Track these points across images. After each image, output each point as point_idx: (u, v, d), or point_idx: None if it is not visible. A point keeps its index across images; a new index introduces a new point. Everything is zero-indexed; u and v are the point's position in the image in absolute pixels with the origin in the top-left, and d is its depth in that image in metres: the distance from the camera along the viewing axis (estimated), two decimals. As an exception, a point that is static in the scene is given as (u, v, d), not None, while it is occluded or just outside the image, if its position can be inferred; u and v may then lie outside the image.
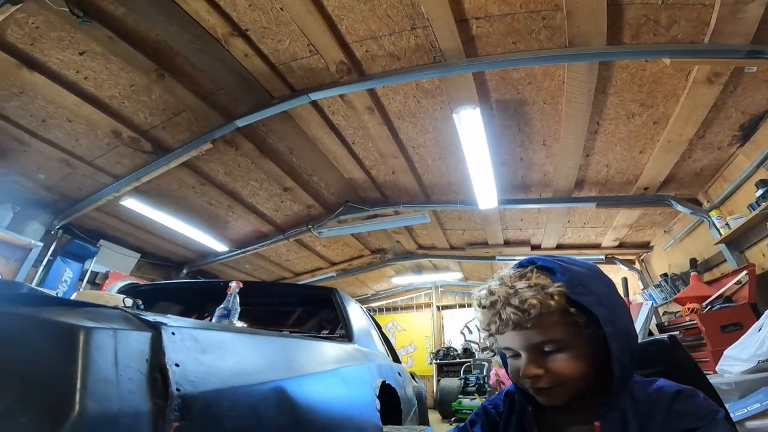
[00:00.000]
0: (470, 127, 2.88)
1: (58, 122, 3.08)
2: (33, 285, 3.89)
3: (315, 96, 2.80)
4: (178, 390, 0.41)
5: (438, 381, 6.63)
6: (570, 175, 3.56)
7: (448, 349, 7.27)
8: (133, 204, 3.95)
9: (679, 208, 3.61)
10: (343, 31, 2.44)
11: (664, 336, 0.80)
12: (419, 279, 7.24)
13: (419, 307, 8.22)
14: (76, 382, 0.33)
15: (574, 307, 0.63)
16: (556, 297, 0.63)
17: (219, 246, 4.94)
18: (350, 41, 2.51)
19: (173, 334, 0.47)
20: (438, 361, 7.16)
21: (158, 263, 5.37)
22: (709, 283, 3.48)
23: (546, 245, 5.08)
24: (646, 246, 4.89)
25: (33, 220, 3.88)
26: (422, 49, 2.52)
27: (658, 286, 4.30)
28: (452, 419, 5.22)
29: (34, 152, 3.35)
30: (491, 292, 0.67)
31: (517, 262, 0.74)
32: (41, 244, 3.92)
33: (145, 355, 0.42)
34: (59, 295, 3.46)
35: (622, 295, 4.62)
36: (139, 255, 5.02)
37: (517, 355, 0.67)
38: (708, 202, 3.58)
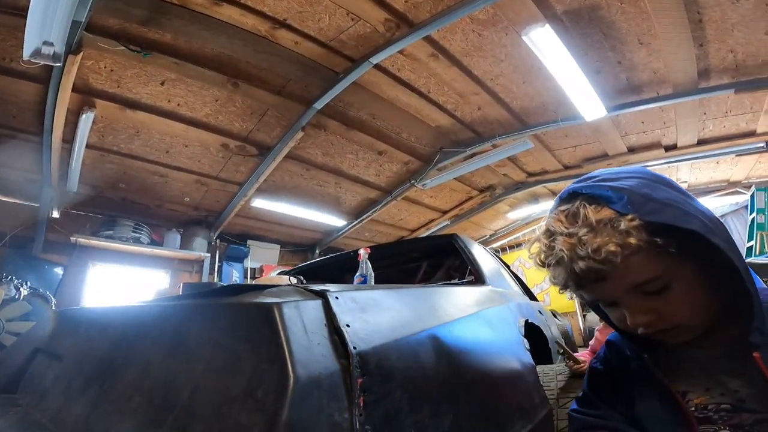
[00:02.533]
0: (546, 45, 2.67)
1: (179, 150, 3.63)
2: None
3: (375, 59, 2.79)
4: (354, 348, 0.47)
5: (584, 316, 6.18)
6: (688, 68, 3.07)
7: None
8: (260, 203, 4.52)
9: None
10: (375, -11, 2.34)
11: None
12: (537, 208, 6.80)
13: (543, 236, 7.80)
14: (285, 353, 0.40)
15: (658, 235, 0.51)
16: (633, 232, 0.51)
17: (338, 221, 5.38)
18: (386, -4, 2.39)
19: (337, 298, 0.53)
20: None
21: (295, 249, 6.11)
22: None
23: (684, 143, 4.38)
24: None
25: (196, 237, 4.72)
26: (461, -19, 2.28)
27: None
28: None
29: (173, 180, 4.03)
30: (549, 247, 0.57)
31: (557, 197, 0.62)
32: (208, 254, 4.78)
33: (323, 320, 0.48)
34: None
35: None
36: (279, 246, 5.77)
37: (613, 304, 0.58)
38: None
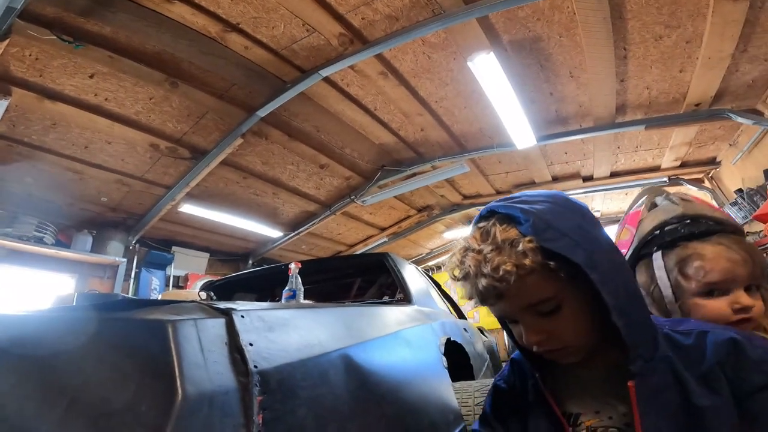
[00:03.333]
0: (488, 71, 2.81)
1: (100, 146, 3.32)
2: (129, 295, 4.42)
3: (325, 72, 2.80)
4: (255, 367, 0.47)
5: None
6: (608, 102, 3.37)
7: None
8: (189, 208, 4.25)
9: (740, 120, 3.31)
10: (333, 3, 2.39)
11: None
12: (471, 230, 7.15)
13: (475, 256, 8.15)
14: (174, 369, 0.39)
15: (551, 258, 0.55)
16: (529, 254, 0.55)
17: (274, 232, 5.21)
18: (343, 12, 2.45)
19: (242, 317, 0.53)
20: None
21: (226, 259, 5.80)
22: None
23: (599, 174, 4.82)
24: (712, 162, 4.52)
25: (111, 240, 4.31)
26: (418, 4, 2.42)
27: (734, 203, 3.89)
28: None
29: (89, 178, 3.66)
30: (461, 263, 0.61)
31: (477, 215, 0.68)
32: (125, 259, 4.37)
33: (224, 339, 0.48)
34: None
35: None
36: (209, 254, 5.44)
37: (514, 321, 0.62)
38: (770, 111, 3.19)
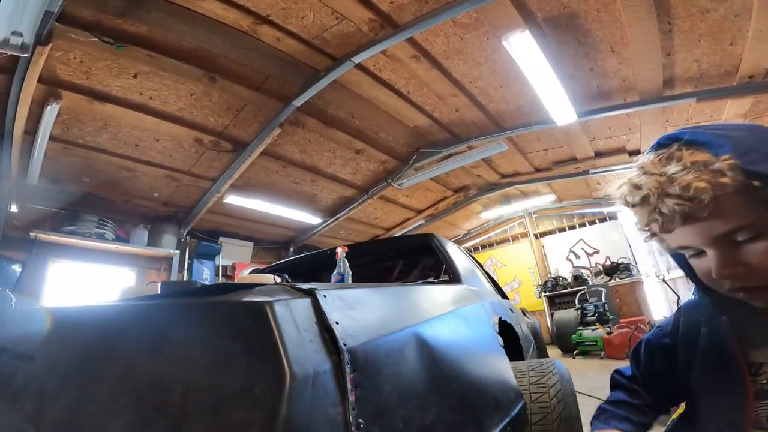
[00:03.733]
0: (524, 50, 2.76)
1: (149, 144, 3.51)
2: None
3: (357, 59, 2.82)
4: (345, 345, 0.49)
5: (551, 314, 6.30)
6: (654, 76, 3.26)
7: (556, 279, 6.81)
8: (234, 199, 4.42)
9: None
10: (360, -11, 2.36)
11: None
12: (509, 209, 7.02)
13: (515, 238, 7.97)
14: (280, 350, 0.41)
15: (756, 179, 0.47)
16: (727, 173, 0.47)
17: (313, 219, 5.34)
18: (371, -3, 2.42)
19: (325, 296, 0.55)
20: (547, 293, 6.75)
21: (268, 247, 6.01)
22: None
23: (646, 149, 4.60)
24: None
25: (165, 234, 4.58)
26: (448, -17, 2.35)
27: None
28: (574, 353, 4.98)
29: (141, 175, 3.89)
30: (636, 186, 0.54)
31: (653, 143, 0.58)
32: (177, 251, 4.64)
33: (313, 318, 0.50)
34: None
35: None
36: (252, 243, 5.67)
37: (700, 253, 0.54)
38: (829, 79, 2.97)
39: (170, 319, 0.54)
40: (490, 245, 8.25)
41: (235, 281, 1.84)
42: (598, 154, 4.87)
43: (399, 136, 4.14)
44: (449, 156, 4.47)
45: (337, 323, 0.51)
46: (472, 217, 7.38)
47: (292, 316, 0.46)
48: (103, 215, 4.13)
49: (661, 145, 0.57)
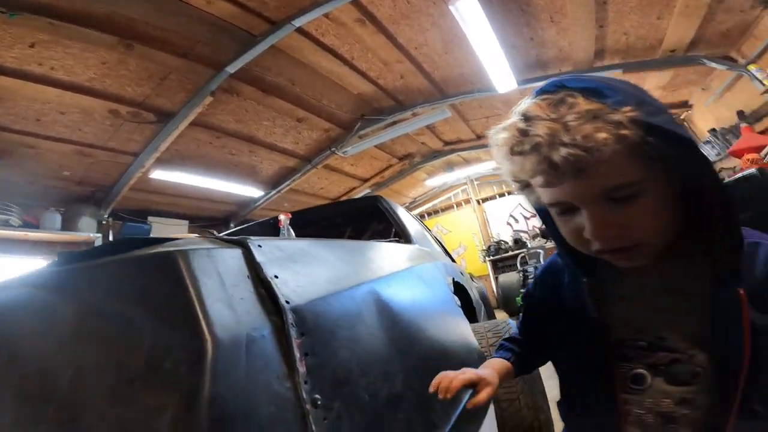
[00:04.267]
0: (470, 16, 2.75)
1: (52, 117, 3.07)
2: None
3: (298, 22, 2.63)
4: (287, 302, 0.39)
5: (496, 278, 6.43)
6: (588, 47, 3.40)
7: (498, 243, 7.04)
8: (162, 174, 4.04)
9: (713, 65, 3.42)
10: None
11: (753, 170, 0.65)
12: (452, 176, 7.16)
13: (459, 205, 8.17)
14: (196, 309, 0.30)
15: (652, 134, 0.44)
16: (628, 125, 0.44)
17: (254, 192, 5.07)
18: (314, -45, 2.24)
19: (260, 246, 0.44)
20: (491, 257, 6.95)
21: (207, 224, 5.62)
22: (762, 132, 3.37)
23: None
24: (684, 105, 4.71)
25: (82, 216, 4.07)
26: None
27: (707, 142, 4.10)
28: (519, 315, 5.18)
29: (46, 152, 3.41)
30: (523, 132, 0.48)
31: (536, 88, 0.53)
32: (99, 235, 4.16)
33: (244, 272, 0.39)
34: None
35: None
36: (188, 221, 5.25)
37: (571, 210, 0.51)
38: (743, 58, 3.34)
39: (57, 290, 0.41)
40: (436, 212, 8.40)
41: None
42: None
43: (343, 104, 4.01)
44: (394, 123, 4.42)
45: (276, 277, 0.41)
46: (417, 185, 7.46)
47: (215, 269, 0.35)
48: (5, 199, 3.57)
49: (546, 91, 0.51)
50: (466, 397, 0.75)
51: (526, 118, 0.49)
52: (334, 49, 3.17)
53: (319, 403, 0.37)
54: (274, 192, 5.16)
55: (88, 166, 3.76)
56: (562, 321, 0.64)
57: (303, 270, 0.46)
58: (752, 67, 3.21)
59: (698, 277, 0.52)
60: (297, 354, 0.36)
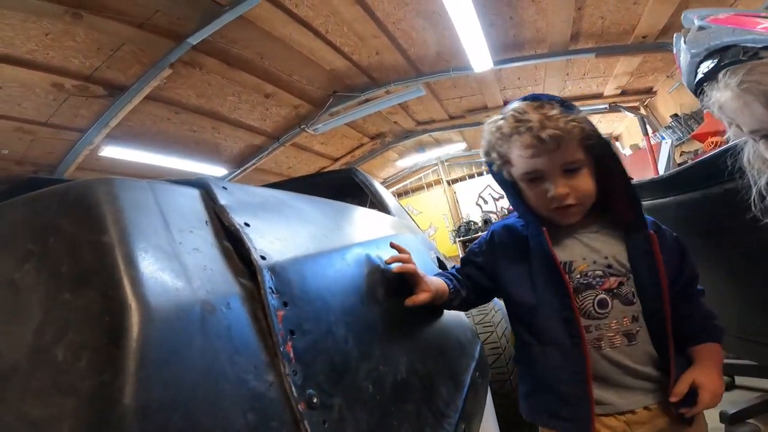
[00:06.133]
0: None
1: None
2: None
3: None
4: (263, 258, 0.28)
5: None
6: (564, 29, 3.38)
7: (468, 223, 7.08)
8: (113, 151, 3.73)
9: None
10: None
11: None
12: (423, 157, 7.12)
13: (430, 185, 8.15)
14: (116, 259, 0.19)
15: (589, 131, 0.73)
16: (583, 124, 0.72)
17: (217, 170, 4.81)
18: None
19: (225, 188, 0.33)
20: (461, 238, 6.97)
21: (166, 208, 5.31)
22: None
23: (510, 104, 5.08)
24: (649, 92, 4.83)
25: (23, 197, 3.72)
26: None
27: (669, 127, 4.23)
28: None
29: (-21, 131, 3.07)
30: (520, 120, 0.72)
31: (519, 99, 0.80)
32: (44, 218, 3.82)
33: (202, 216, 0.28)
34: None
35: (641, 134, 4.58)
36: (144, 204, 4.93)
37: (538, 180, 0.74)
38: (709, 47, 3.41)
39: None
40: (406, 193, 8.34)
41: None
42: (507, 103, 5.08)
43: (314, 79, 3.82)
44: (367, 101, 4.28)
45: (247, 225, 0.30)
46: (388, 166, 7.38)
47: (156, 207, 0.24)
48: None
49: (526, 99, 0.78)
50: (468, 378, 0.68)
51: (520, 112, 0.74)
52: (308, 21, 2.98)
53: (315, 401, 0.26)
54: (239, 171, 4.92)
55: (29, 144, 3.42)
56: (524, 265, 0.78)
57: (282, 222, 0.35)
58: (717, 56, 3.32)
59: (613, 226, 0.77)
60: (280, 332, 0.25)
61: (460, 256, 6.93)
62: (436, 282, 0.75)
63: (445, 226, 7.78)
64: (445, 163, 7.92)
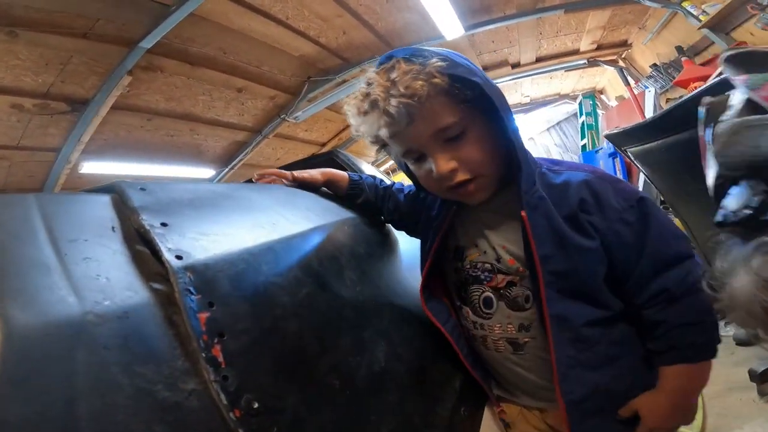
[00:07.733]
0: None
1: None
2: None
3: None
4: (179, 258, 0.25)
5: None
6: None
7: None
8: (92, 167, 3.67)
9: (648, 3, 3.41)
10: None
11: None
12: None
13: (421, 159, 8.10)
14: None
15: (457, 81, 0.56)
16: (436, 74, 0.56)
17: (204, 172, 4.75)
18: None
19: (143, 189, 0.31)
20: None
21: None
22: (704, 64, 3.43)
23: (525, 60, 4.94)
24: (624, 44, 4.81)
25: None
26: None
27: (650, 77, 4.21)
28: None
29: (-48, 164, 3.00)
30: (365, 95, 0.58)
31: (377, 61, 0.64)
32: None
33: (108, 222, 0.26)
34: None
35: (623, 85, 4.51)
36: (135, 217, 4.87)
37: (421, 158, 0.61)
38: (677, -4, 3.36)
39: None
40: (394, 170, 8.29)
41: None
42: (485, 68, 5.06)
43: (285, 68, 3.72)
44: (344, 82, 4.18)
45: (164, 225, 0.27)
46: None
47: (42, 221, 0.21)
48: None
49: (381, 62, 0.62)
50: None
51: (368, 84, 0.59)
52: (264, 9, 2.87)
53: (255, 406, 0.24)
54: (227, 169, 4.86)
55: (7, 170, 3.36)
56: (432, 234, 0.69)
57: (216, 216, 0.32)
58: (686, 4, 3.23)
59: (513, 204, 0.60)
60: (203, 336, 0.23)
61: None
62: (328, 173, 0.78)
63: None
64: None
